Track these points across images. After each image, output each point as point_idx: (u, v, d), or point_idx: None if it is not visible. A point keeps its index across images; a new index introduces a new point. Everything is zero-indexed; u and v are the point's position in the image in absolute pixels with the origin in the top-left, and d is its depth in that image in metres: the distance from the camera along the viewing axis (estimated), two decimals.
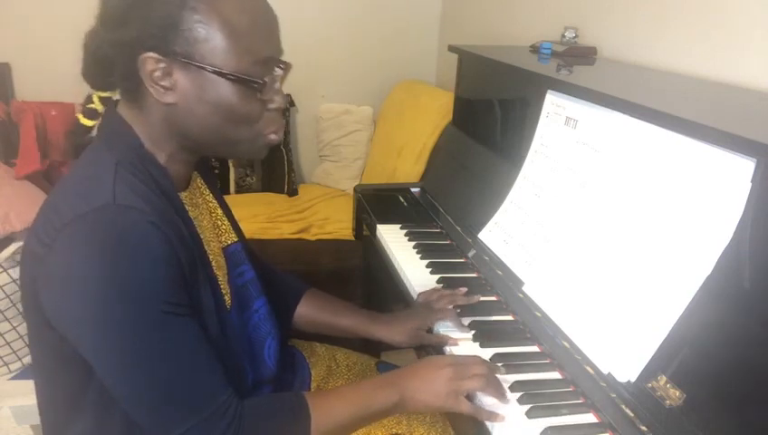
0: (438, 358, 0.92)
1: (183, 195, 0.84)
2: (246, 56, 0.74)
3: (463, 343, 1.04)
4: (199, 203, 0.91)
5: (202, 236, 0.84)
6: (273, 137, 0.82)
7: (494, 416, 0.86)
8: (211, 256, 0.85)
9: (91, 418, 0.79)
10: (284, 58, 0.80)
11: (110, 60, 0.76)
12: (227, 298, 0.87)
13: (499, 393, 0.89)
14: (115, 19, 0.74)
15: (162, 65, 0.73)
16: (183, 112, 0.76)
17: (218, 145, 0.81)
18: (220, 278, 0.87)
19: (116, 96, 0.84)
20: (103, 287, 0.68)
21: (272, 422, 0.81)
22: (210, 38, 0.72)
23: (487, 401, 0.89)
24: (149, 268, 0.69)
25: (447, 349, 1.04)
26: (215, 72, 0.73)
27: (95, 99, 0.85)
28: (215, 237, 0.91)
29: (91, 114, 0.85)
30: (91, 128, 0.85)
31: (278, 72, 0.79)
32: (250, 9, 0.75)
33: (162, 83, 0.74)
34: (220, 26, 0.72)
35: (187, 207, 0.83)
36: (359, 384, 0.90)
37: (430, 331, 1.08)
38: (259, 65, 0.76)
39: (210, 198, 0.95)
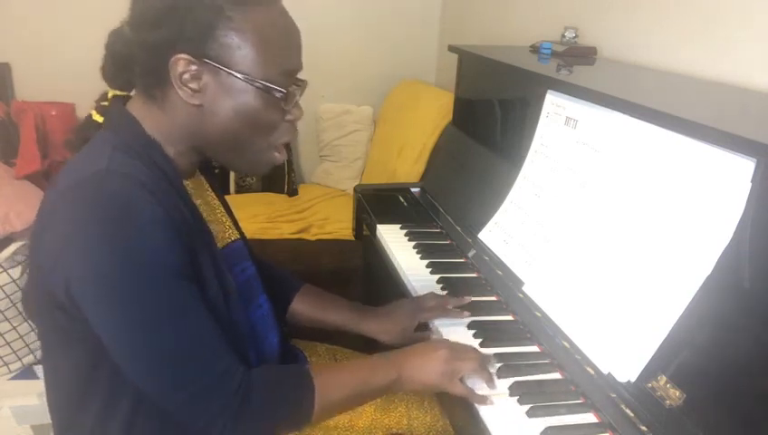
0: (435, 341, 0.97)
1: (186, 183, 0.86)
2: (273, 67, 0.78)
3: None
4: (202, 195, 0.92)
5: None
6: (277, 155, 0.85)
7: (483, 399, 0.89)
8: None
9: (99, 404, 0.80)
10: None
11: (135, 59, 0.79)
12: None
13: (489, 378, 0.92)
14: (148, 21, 0.76)
15: (193, 67, 0.75)
16: (206, 115, 0.78)
17: (229, 150, 0.83)
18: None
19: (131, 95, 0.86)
20: (105, 249, 0.69)
21: (278, 392, 0.83)
22: (242, 46, 0.75)
23: (479, 386, 0.91)
24: (148, 230, 0.71)
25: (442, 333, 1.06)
26: (244, 79, 0.76)
27: (110, 97, 0.87)
28: (216, 234, 0.91)
29: (104, 111, 0.87)
30: (100, 124, 0.86)
31: (296, 88, 0.82)
32: (280, 24, 0.79)
33: (191, 85, 0.76)
34: (252, 36, 0.76)
35: (191, 192, 0.85)
36: (360, 362, 0.95)
37: (423, 327, 1.10)
38: (283, 76, 0.79)
39: (212, 196, 0.96)
